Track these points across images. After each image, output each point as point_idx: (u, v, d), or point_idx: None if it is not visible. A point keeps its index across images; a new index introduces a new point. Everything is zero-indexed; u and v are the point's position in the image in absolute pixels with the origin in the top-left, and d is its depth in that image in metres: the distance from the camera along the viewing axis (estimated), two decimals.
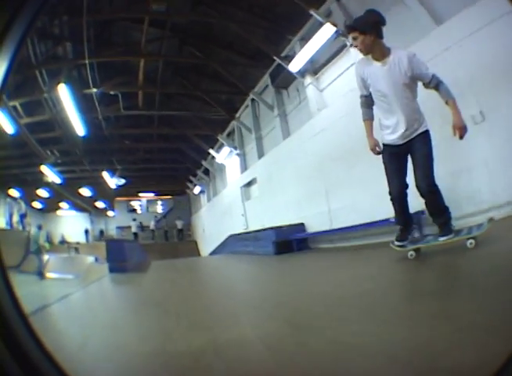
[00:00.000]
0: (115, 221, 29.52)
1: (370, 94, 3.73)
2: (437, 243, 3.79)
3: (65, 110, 15.27)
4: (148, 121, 19.61)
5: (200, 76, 17.36)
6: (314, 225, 9.85)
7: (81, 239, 27.57)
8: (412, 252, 3.93)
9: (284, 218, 11.09)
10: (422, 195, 3.66)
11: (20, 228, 21.12)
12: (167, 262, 13.21)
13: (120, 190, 28.11)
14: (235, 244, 13.85)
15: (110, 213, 31.42)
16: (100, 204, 30.26)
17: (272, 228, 10.39)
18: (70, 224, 29.01)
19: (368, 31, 3.42)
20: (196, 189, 25.69)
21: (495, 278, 2.33)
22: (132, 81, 16.46)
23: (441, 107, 3.56)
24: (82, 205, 28.27)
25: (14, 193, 23.10)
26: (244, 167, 16.74)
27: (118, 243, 10.46)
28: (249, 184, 16.02)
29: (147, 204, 32.44)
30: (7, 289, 0.80)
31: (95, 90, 15.72)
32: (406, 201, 3.86)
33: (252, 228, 14.13)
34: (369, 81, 3.66)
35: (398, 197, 3.81)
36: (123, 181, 23.46)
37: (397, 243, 4.01)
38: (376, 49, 3.52)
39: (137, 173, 26.05)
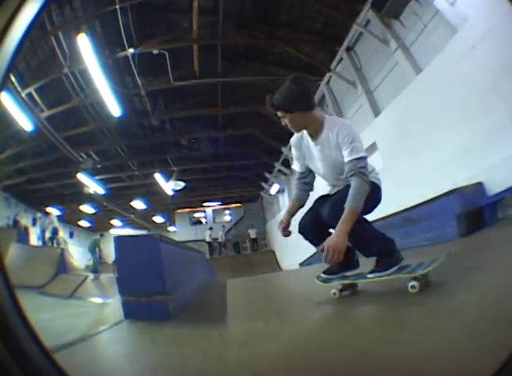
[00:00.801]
0: (177, 236, 24.85)
1: (307, 171, 3.10)
2: (366, 280, 2.90)
3: (93, 85, 10.68)
4: (208, 99, 14.36)
5: (273, 26, 12.00)
6: (501, 180, 6.35)
7: None
8: (335, 290, 3.10)
9: (440, 184, 7.45)
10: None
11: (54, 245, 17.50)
12: (250, 284, 7.42)
13: (180, 201, 23.91)
14: None
15: (171, 228, 27.59)
16: (159, 219, 26.69)
17: (451, 191, 6.67)
18: None
19: (295, 109, 2.72)
20: (273, 189, 20.33)
21: None
22: (183, 36, 11.46)
23: None
24: (137, 221, 24.18)
25: (53, 211, 19.12)
26: None
27: (144, 243, 3.50)
28: None
29: (213, 215, 28.50)
30: (8, 291, 0.77)
31: (131, 51, 10.82)
32: (318, 231, 2.96)
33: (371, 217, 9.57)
34: (306, 159, 3.04)
35: (305, 225, 3.05)
36: (181, 185, 18.09)
37: (322, 275, 3.12)
38: (309, 124, 2.82)
39: (198, 175, 20.77)
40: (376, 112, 10.54)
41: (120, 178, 18.29)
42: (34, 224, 18.42)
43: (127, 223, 25.07)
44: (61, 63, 11.15)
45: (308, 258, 14.05)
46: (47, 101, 12.50)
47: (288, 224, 3.08)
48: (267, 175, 20.12)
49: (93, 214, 20.99)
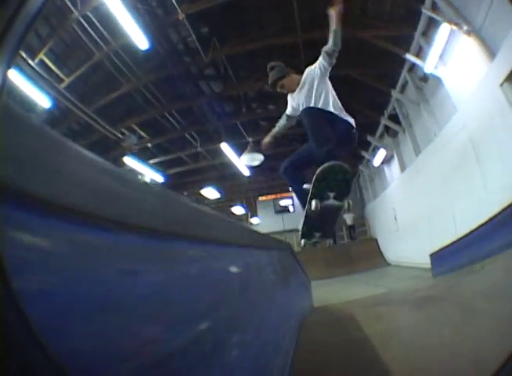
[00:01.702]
0: (261, 228, 20.84)
1: (292, 115, 4.24)
2: None
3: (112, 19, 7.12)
4: (281, 28, 9.85)
5: None
6: None
7: None
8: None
9: None
10: None
11: None
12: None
13: (261, 186, 19.98)
14: None
15: (254, 220, 23.66)
16: (238, 210, 23.08)
17: None
18: None
19: (284, 73, 4.04)
20: (378, 158, 15.07)
21: None
22: None
23: None
24: None
25: None
26: (491, 50, 7.19)
27: None
28: None
29: None
30: (8, 291, 0.62)
31: None
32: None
33: None
34: (294, 104, 4.15)
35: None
36: (260, 158, 13.20)
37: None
38: (295, 80, 4.02)
39: (278, 149, 15.65)
40: None
41: (181, 159, 14.58)
42: None
43: None
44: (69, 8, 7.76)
45: (447, 246, 8.84)
46: (65, 67, 9.28)
47: (270, 141, 4.32)
48: (368, 138, 14.95)
49: None
